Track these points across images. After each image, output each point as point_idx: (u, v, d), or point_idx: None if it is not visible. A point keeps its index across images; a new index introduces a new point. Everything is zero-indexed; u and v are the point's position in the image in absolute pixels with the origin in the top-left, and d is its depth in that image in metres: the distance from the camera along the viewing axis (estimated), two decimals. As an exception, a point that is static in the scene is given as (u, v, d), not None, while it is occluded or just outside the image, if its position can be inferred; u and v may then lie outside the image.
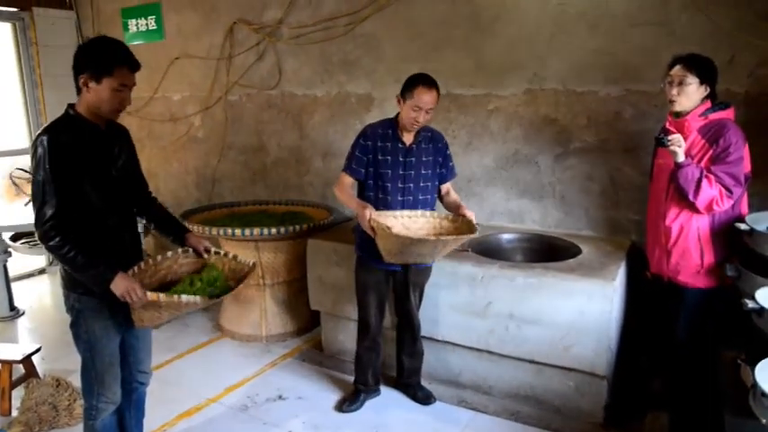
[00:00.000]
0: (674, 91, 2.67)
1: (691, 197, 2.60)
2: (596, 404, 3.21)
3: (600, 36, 3.56)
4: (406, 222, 3.07)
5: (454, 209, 3.17)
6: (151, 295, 2.23)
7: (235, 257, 2.65)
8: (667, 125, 2.81)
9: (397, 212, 3.08)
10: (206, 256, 2.63)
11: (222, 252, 2.68)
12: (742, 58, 3.16)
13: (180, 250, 2.61)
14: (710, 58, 2.69)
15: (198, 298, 2.30)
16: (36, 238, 2.28)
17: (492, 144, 4.06)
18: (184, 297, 2.26)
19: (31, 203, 2.26)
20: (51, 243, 2.20)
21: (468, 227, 2.97)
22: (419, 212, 3.12)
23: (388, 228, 2.83)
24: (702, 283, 2.76)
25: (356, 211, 3.02)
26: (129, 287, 2.22)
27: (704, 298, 2.78)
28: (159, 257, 2.52)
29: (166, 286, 2.50)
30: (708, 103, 2.69)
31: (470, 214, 3.03)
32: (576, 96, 3.71)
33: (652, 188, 2.96)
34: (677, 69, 2.68)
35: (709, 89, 2.67)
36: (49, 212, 2.18)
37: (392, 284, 3.35)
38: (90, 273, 2.25)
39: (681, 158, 2.60)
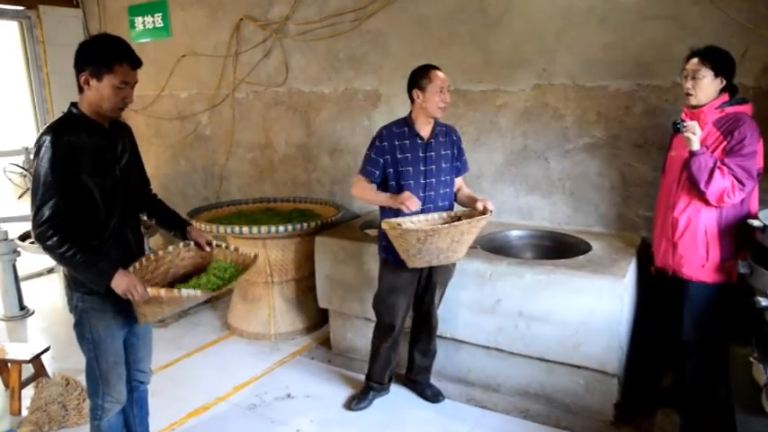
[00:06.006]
0: (689, 84, 2.68)
1: (702, 186, 2.58)
2: (606, 402, 3.19)
3: (610, 30, 3.52)
4: (422, 227, 3.03)
5: (470, 202, 3.15)
6: (152, 291, 2.22)
7: (236, 249, 2.67)
8: (683, 116, 2.79)
9: (414, 218, 3.04)
10: (208, 249, 2.63)
11: (224, 244, 2.69)
12: (755, 52, 3.12)
13: (181, 244, 2.61)
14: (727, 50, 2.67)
15: (198, 292, 2.28)
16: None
17: (500, 140, 4.03)
18: (185, 291, 2.24)
19: (28, 197, 2.23)
20: (48, 242, 2.17)
21: (482, 211, 2.95)
22: (435, 215, 3.09)
23: (398, 225, 2.81)
24: (707, 277, 2.75)
25: (391, 204, 2.99)
26: (129, 284, 2.21)
27: (708, 293, 2.77)
28: (161, 252, 2.52)
29: (170, 282, 2.50)
30: (725, 96, 2.68)
31: (484, 202, 3.00)
32: (586, 92, 3.67)
33: (663, 181, 2.94)
34: (692, 63, 2.68)
35: (725, 82, 2.66)
36: (48, 213, 2.15)
37: (417, 283, 3.28)
38: (90, 271, 2.23)
39: (695, 146, 2.59)
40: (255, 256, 2.64)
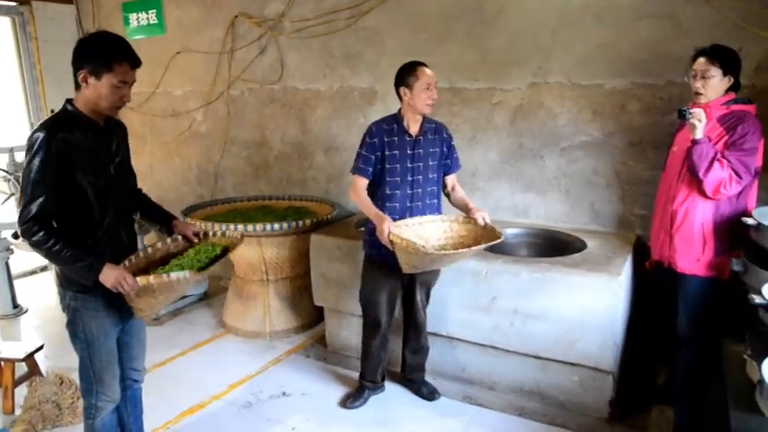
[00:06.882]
0: (699, 84, 2.70)
1: (701, 174, 2.60)
2: (601, 399, 3.20)
3: (605, 29, 3.52)
4: (417, 230, 3.04)
5: (463, 208, 3.15)
6: (141, 279, 2.21)
7: (223, 233, 2.67)
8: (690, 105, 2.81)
9: (409, 221, 3.04)
10: (196, 240, 2.61)
11: (211, 232, 2.68)
12: (749, 51, 3.12)
13: (169, 240, 2.59)
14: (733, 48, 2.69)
15: (187, 273, 2.27)
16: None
17: (496, 138, 4.03)
18: (173, 275, 2.23)
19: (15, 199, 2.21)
20: (35, 238, 2.16)
21: (490, 234, 2.94)
22: (429, 217, 3.10)
23: (415, 245, 2.78)
24: (701, 271, 2.77)
25: (374, 222, 2.96)
26: (118, 276, 2.20)
27: (703, 287, 2.79)
28: (150, 249, 2.50)
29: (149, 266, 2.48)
30: (731, 94, 2.71)
31: (483, 214, 3.00)
32: (581, 90, 3.68)
33: (664, 176, 2.96)
34: (700, 62, 2.69)
35: (732, 80, 2.69)
36: (34, 210, 2.14)
37: (401, 280, 3.29)
38: (78, 266, 2.21)
39: (699, 135, 2.60)
40: (242, 236, 2.65)
